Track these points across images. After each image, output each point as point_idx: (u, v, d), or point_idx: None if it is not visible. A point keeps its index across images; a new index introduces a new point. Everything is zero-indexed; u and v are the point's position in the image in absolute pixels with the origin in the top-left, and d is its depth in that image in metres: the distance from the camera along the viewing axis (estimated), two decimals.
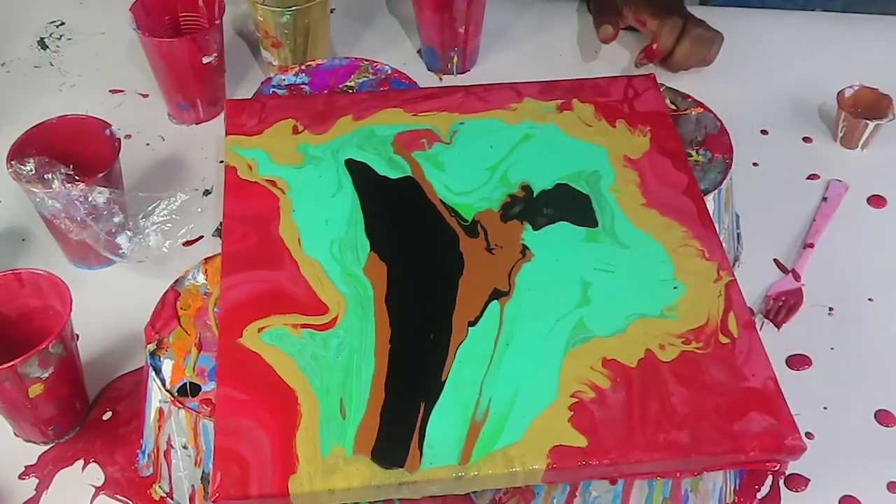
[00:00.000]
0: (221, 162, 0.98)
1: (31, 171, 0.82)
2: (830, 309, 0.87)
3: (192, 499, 0.72)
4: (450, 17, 1.03)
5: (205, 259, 0.76)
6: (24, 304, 0.76)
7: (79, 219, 0.82)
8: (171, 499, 0.74)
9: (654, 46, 0.98)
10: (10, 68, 1.10)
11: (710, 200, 0.82)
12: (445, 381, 0.65)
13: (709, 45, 1.03)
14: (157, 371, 0.69)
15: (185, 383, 0.68)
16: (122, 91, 1.07)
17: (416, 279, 0.72)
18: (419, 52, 1.12)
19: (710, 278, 0.72)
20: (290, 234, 0.74)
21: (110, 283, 0.89)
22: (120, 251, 0.85)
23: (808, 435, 0.77)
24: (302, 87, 0.92)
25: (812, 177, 0.99)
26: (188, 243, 0.91)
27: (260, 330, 0.68)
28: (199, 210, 0.93)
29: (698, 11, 1.08)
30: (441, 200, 0.77)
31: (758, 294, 0.88)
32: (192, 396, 0.67)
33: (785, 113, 1.06)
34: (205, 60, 0.97)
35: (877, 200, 0.97)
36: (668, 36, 0.98)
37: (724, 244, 0.76)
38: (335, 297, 0.70)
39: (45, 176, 0.82)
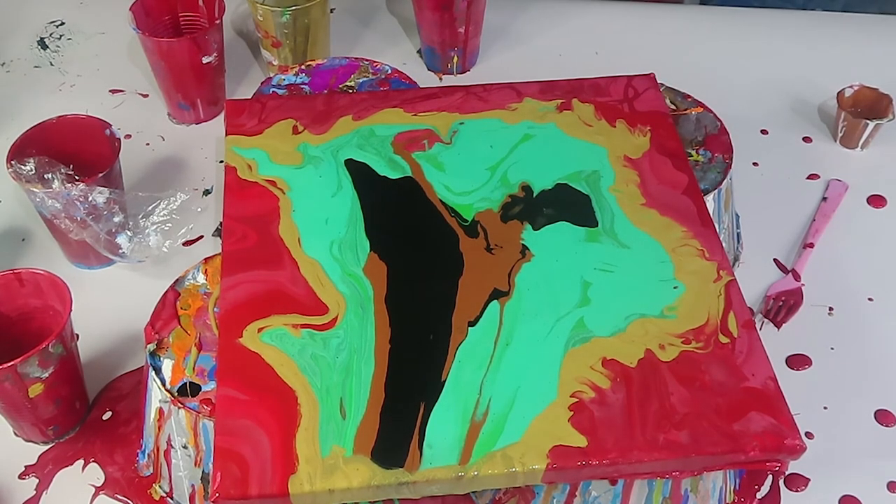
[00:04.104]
0: (221, 162, 0.98)
1: (31, 170, 0.82)
2: (830, 309, 0.87)
3: (192, 499, 0.72)
4: (450, 16, 1.03)
5: (205, 259, 0.76)
6: (24, 304, 0.76)
7: (79, 219, 0.82)
8: (171, 499, 0.74)
9: None
10: (10, 68, 1.11)
11: (710, 200, 0.82)
12: (445, 381, 0.65)
13: None
14: (157, 371, 0.69)
15: (185, 383, 0.68)
16: (122, 91, 1.08)
17: (416, 279, 0.72)
18: (419, 52, 1.12)
19: (710, 278, 0.72)
20: (290, 234, 0.74)
21: (110, 283, 0.89)
22: (120, 251, 0.85)
23: (808, 435, 0.77)
24: (302, 87, 0.92)
25: (812, 177, 0.99)
26: (188, 243, 0.91)
27: (260, 330, 0.68)
28: (199, 210, 0.93)
29: (698, 11, 1.08)
30: (441, 200, 0.77)
31: (758, 294, 0.88)
32: (192, 396, 0.67)
33: (785, 113, 1.06)
34: (205, 60, 0.97)
35: (877, 200, 0.97)
36: None
37: (724, 244, 0.76)
38: (335, 297, 0.70)
39: (45, 176, 0.82)
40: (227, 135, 0.82)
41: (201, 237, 0.92)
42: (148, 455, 0.74)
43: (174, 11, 1.00)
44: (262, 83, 0.94)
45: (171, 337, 0.70)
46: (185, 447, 0.69)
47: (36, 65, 1.11)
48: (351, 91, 0.91)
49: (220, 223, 0.85)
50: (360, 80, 0.93)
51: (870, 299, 0.88)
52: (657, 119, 0.84)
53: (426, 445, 0.62)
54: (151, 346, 0.70)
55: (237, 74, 1.09)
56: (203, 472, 0.69)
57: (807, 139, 1.03)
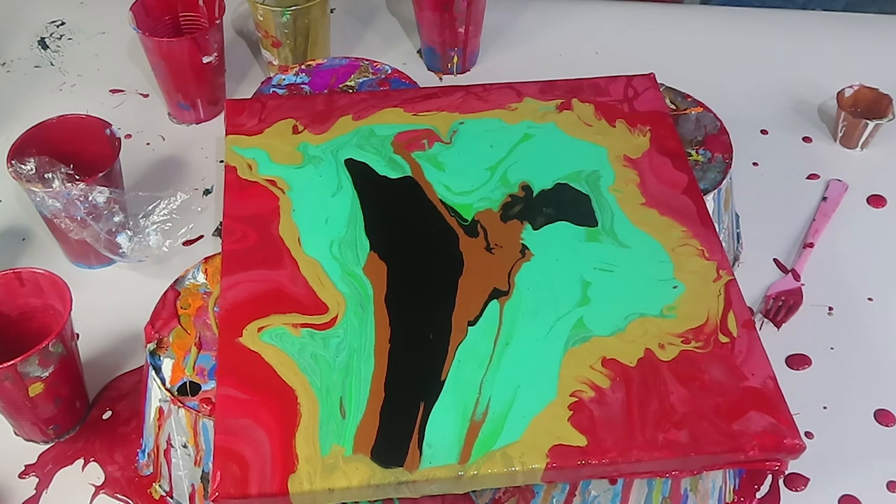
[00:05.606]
0: (221, 162, 0.98)
1: (32, 170, 0.82)
2: (830, 309, 0.87)
3: (191, 498, 0.72)
4: (450, 16, 1.03)
5: (205, 258, 0.76)
6: (24, 304, 0.76)
7: (79, 218, 0.82)
8: (171, 498, 0.74)
9: None
10: (10, 68, 1.11)
11: (709, 200, 0.82)
12: (445, 380, 0.65)
13: None
14: (157, 370, 0.69)
15: (185, 382, 0.68)
16: (122, 91, 1.08)
17: (416, 279, 0.72)
18: (419, 52, 1.12)
19: (709, 278, 0.72)
20: (290, 233, 0.74)
21: (110, 282, 0.89)
22: (120, 250, 0.85)
23: (808, 434, 0.77)
24: (302, 86, 0.92)
25: (812, 176, 0.99)
26: (188, 243, 0.91)
27: (260, 329, 0.68)
28: (199, 210, 0.93)
29: (698, 11, 1.08)
30: (441, 200, 0.77)
31: (758, 294, 0.88)
32: (192, 395, 0.67)
33: (785, 113, 1.06)
34: (205, 60, 0.97)
35: (877, 200, 0.97)
36: None
37: (723, 244, 0.76)
38: (335, 296, 0.70)
39: (46, 175, 0.82)
40: (227, 134, 0.82)
41: (201, 237, 0.92)
42: (148, 454, 0.74)
43: (174, 11, 1.00)
44: (262, 83, 0.94)
45: (171, 336, 0.70)
46: (184, 446, 0.69)
47: (36, 65, 1.11)
48: (351, 91, 0.91)
49: (220, 223, 0.85)
50: (360, 80, 0.93)
51: (870, 299, 0.88)
52: (657, 119, 0.84)
53: (426, 445, 0.62)
54: (151, 346, 0.70)
55: (237, 74, 1.09)
56: (203, 471, 0.69)
57: (807, 139, 1.03)
